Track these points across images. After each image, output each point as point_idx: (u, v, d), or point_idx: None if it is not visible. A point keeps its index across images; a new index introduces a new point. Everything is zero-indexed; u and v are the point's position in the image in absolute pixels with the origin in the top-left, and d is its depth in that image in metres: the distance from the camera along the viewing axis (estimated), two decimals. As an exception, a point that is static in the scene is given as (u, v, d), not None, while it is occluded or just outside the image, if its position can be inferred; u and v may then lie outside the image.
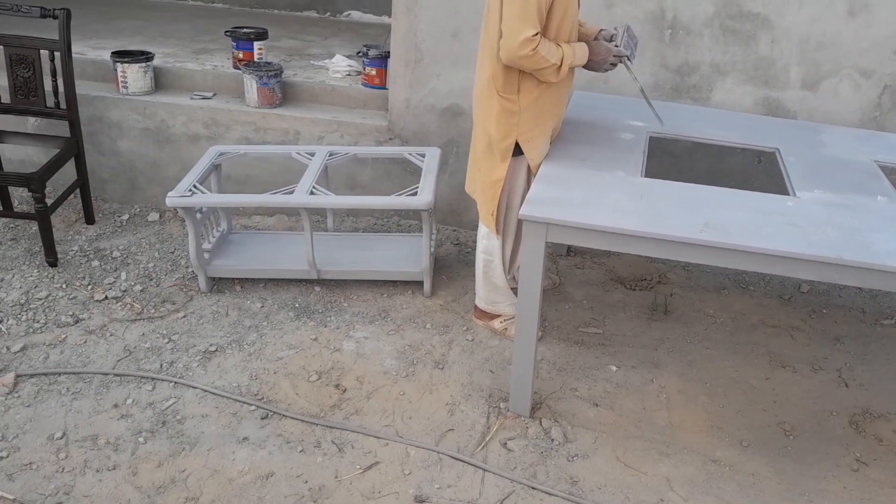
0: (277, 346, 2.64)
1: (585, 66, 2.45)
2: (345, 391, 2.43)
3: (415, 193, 2.78)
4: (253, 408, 2.33)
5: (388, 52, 3.45)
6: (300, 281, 3.02)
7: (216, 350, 2.60)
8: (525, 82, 2.35)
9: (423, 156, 3.08)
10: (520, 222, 2.61)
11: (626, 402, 2.46)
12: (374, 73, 3.54)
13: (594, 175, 2.28)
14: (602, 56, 2.44)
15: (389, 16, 5.62)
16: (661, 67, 3.12)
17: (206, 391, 2.39)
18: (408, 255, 3.06)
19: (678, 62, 3.10)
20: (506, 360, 2.61)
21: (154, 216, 3.54)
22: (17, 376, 2.41)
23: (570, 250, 3.35)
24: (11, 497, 1.97)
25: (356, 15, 5.75)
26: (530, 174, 2.51)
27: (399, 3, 3.18)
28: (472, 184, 2.62)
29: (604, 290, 3.13)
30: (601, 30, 2.55)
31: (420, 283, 2.99)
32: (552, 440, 2.27)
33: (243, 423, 2.28)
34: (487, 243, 2.61)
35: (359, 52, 3.61)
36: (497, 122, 2.40)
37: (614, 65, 2.47)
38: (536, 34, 2.19)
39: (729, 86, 3.10)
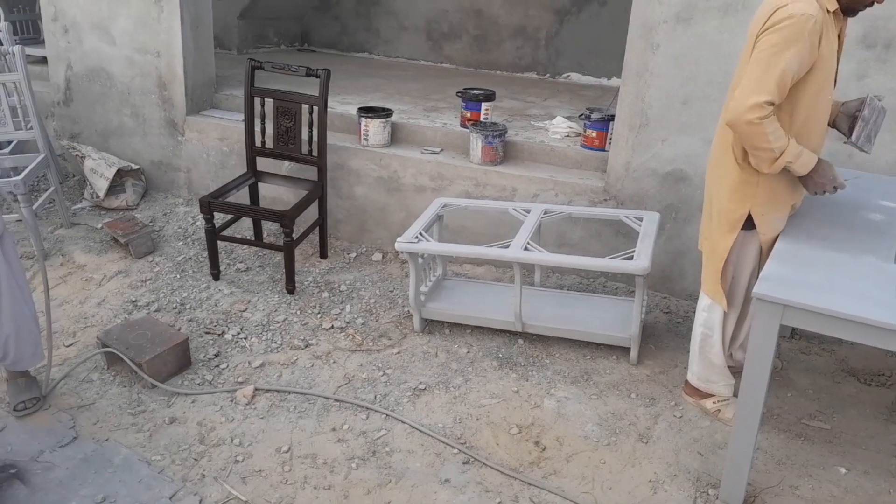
0: (481, 393, 2.72)
1: (801, 178, 2.22)
2: (544, 449, 2.43)
3: (630, 257, 2.75)
4: (456, 451, 2.41)
5: (611, 116, 3.49)
6: (504, 332, 3.09)
7: (425, 388, 2.74)
8: None
9: (641, 219, 3.04)
10: (746, 300, 2.49)
11: (858, 513, 2.19)
12: (594, 135, 3.59)
13: (838, 257, 2.11)
14: (823, 178, 2.19)
15: (608, 78, 5.74)
16: (920, 142, 2.83)
17: (414, 427, 2.52)
18: (615, 319, 3.01)
19: (942, 138, 2.79)
20: (717, 444, 2.45)
21: (377, 256, 3.84)
22: (256, 389, 2.72)
23: (795, 333, 3.09)
24: (244, 499, 2.21)
25: (575, 77, 5.88)
26: (761, 253, 2.37)
27: (629, 68, 3.21)
28: (703, 244, 2.51)
29: (833, 380, 2.84)
30: (843, 103, 2.35)
31: (626, 350, 2.92)
32: (766, 540, 2.09)
33: (446, 464, 2.36)
34: (708, 316, 2.49)
35: (581, 115, 3.68)
36: (732, 191, 2.29)
37: (827, 192, 2.23)
38: (772, 104, 2.04)
39: None
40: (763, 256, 2.35)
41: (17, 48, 3.66)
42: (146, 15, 4.14)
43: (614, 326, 2.95)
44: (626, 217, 3.09)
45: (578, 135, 3.79)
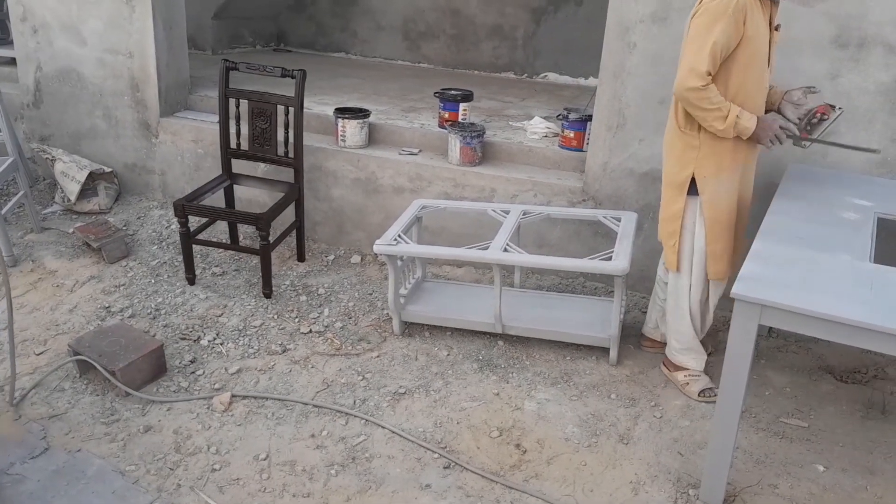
0: (461, 396, 2.70)
1: (752, 137, 2.43)
2: (525, 452, 2.42)
3: (609, 257, 2.75)
4: (436, 456, 2.39)
5: (589, 116, 3.49)
6: (485, 333, 3.08)
7: (405, 392, 2.72)
8: None
9: (619, 219, 3.05)
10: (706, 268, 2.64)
11: (836, 510, 2.21)
12: (572, 135, 3.59)
13: (815, 256, 2.12)
14: (771, 126, 2.43)
15: (586, 78, 5.75)
16: (892, 142, 2.86)
17: (393, 432, 2.49)
18: (594, 319, 3.01)
19: (914, 136, 2.82)
20: (697, 444, 2.46)
21: (356, 259, 3.81)
22: (233, 396, 2.68)
23: (772, 331, 3.12)
24: (221, 507, 2.17)
25: (552, 76, 5.89)
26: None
27: (606, 68, 3.21)
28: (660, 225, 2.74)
29: (810, 378, 2.86)
30: (786, 91, 2.57)
31: (605, 350, 2.92)
32: (747, 539, 2.09)
33: (427, 469, 2.34)
34: (672, 285, 2.68)
35: (559, 115, 3.68)
36: (677, 158, 2.55)
37: (780, 140, 2.44)
38: (709, 74, 2.31)
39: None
40: (707, 228, 2.55)
41: (-17, 49, 3.57)
42: (117, 15, 4.06)
43: (594, 327, 2.95)
44: (605, 217, 3.09)
45: (556, 135, 3.79)
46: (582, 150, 3.56)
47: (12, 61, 4.60)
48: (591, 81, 5.66)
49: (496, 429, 2.53)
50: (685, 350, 2.73)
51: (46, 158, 4.26)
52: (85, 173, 4.08)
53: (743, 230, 2.67)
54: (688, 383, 2.72)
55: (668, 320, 2.77)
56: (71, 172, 4.10)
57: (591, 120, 3.44)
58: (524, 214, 3.15)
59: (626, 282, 2.86)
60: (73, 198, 4.06)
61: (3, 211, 3.57)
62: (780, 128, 2.44)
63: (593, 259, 2.75)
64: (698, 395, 2.68)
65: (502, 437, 2.49)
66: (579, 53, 5.68)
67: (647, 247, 3.31)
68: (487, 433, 2.50)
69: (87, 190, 4.14)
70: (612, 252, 2.77)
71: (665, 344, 2.86)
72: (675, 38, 3.03)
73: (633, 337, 3.10)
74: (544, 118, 4.00)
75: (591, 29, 5.48)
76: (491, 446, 2.45)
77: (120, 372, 2.62)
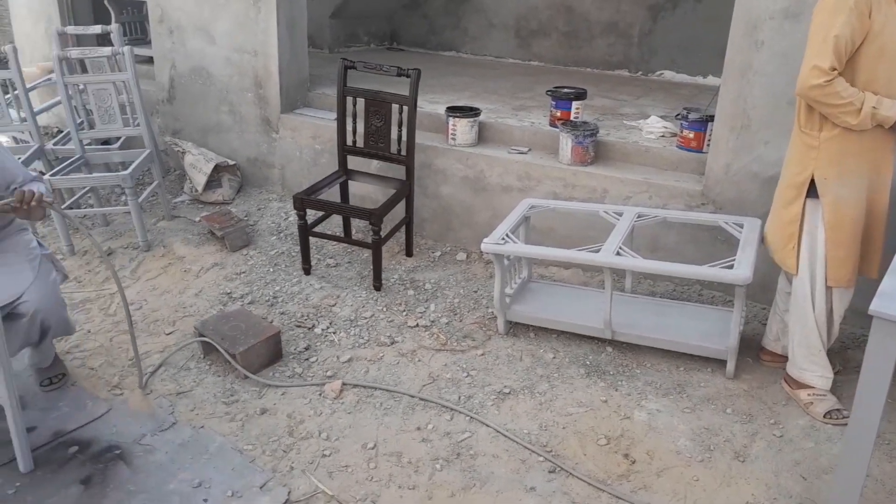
0: (567, 400, 2.66)
1: (894, 127, 2.27)
2: (633, 462, 2.36)
3: (730, 265, 2.62)
4: (541, 459, 2.36)
5: (710, 116, 3.35)
6: (592, 338, 3.02)
7: (510, 393, 2.71)
8: (827, 118, 2.33)
9: (741, 226, 2.90)
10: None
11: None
12: (691, 135, 3.45)
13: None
14: None
15: (704, 76, 5.52)
16: None
17: (498, 432, 2.49)
18: (710, 330, 2.89)
19: None
20: (822, 468, 2.31)
21: (462, 256, 3.83)
22: (344, 384, 2.76)
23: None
24: (331, 493, 2.24)
25: (669, 75, 5.69)
26: None
27: (731, 67, 3.06)
28: (769, 226, 2.65)
29: (953, 406, 2.62)
30: None
31: (721, 362, 2.80)
32: (877, 575, 1.94)
33: (531, 472, 2.32)
34: (797, 292, 2.53)
35: (677, 115, 3.55)
36: (797, 159, 2.44)
37: None
38: (833, 69, 2.20)
39: None
40: (827, 233, 2.41)
41: (126, 49, 3.86)
42: (244, 16, 4.28)
43: (710, 337, 2.82)
44: (726, 223, 2.95)
45: (674, 135, 3.65)
46: (702, 152, 3.42)
47: (150, 60, 4.94)
48: (710, 80, 5.43)
49: (604, 436, 2.47)
50: (810, 365, 2.57)
51: (178, 151, 4.56)
52: (211, 165, 4.33)
53: (880, 238, 2.48)
54: (812, 403, 2.56)
55: (790, 331, 2.62)
56: (199, 164, 4.36)
57: (712, 120, 3.30)
58: (638, 217, 3.06)
59: (746, 292, 2.71)
60: (200, 188, 4.32)
61: (140, 199, 3.85)
62: None
63: (713, 266, 2.63)
64: (824, 417, 2.51)
65: (610, 445, 2.43)
66: (698, 51, 5.46)
67: (769, 255, 3.13)
68: (595, 440, 2.45)
69: (213, 181, 4.39)
70: (734, 260, 2.64)
71: (786, 358, 2.70)
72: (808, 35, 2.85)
73: (752, 349, 2.94)
74: (661, 117, 3.87)
75: (711, 25, 5.26)
76: (598, 454, 2.40)
77: (240, 355, 2.76)
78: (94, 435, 2.47)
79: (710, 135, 3.34)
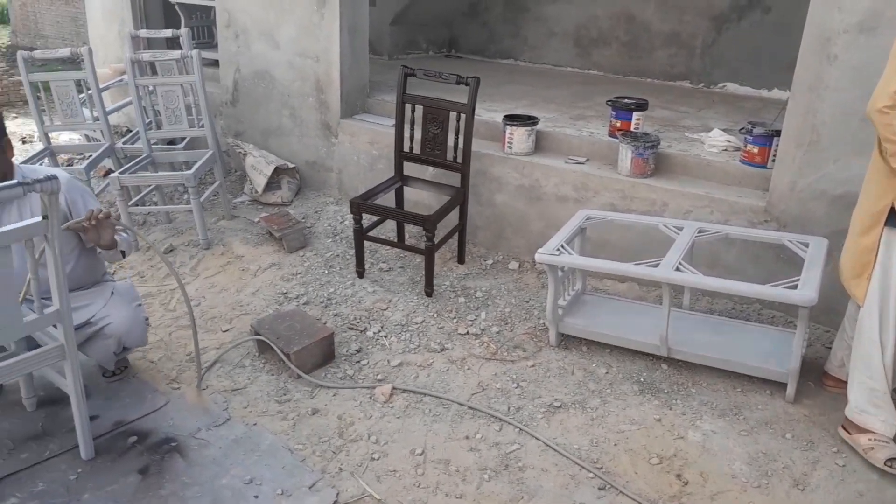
0: (620, 417, 2.61)
1: None
2: (686, 483, 2.30)
3: (794, 285, 2.54)
4: (591, 475, 2.33)
5: (776, 130, 3.26)
6: (647, 355, 2.96)
7: (560, 406, 2.68)
8: None
9: (807, 245, 2.81)
10: None
11: None
12: (755, 150, 3.36)
13: None
14: None
15: (769, 90, 5.37)
16: None
17: (548, 445, 2.46)
18: (771, 351, 2.80)
19: None
20: (887, 502, 2.21)
21: (514, 265, 3.82)
22: (394, 388, 2.78)
23: None
24: (378, 497, 2.26)
25: (732, 87, 5.56)
26: None
27: (800, 81, 2.97)
28: (844, 251, 2.50)
29: None
30: None
31: (781, 385, 2.71)
32: None
33: (580, 487, 2.29)
34: (862, 327, 2.38)
35: (742, 129, 3.46)
36: (876, 183, 2.31)
37: None
38: None
39: None
40: None
41: (195, 52, 3.98)
42: (308, 22, 4.36)
43: (770, 359, 2.74)
44: (790, 241, 2.87)
45: (737, 149, 3.57)
46: (766, 167, 3.32)
47: (215, 63, 5.08)
48: (775, 93, 5.27)
49: (656, 455, 2.42)
50: (872, 409, 2.39)
51: (239, 153, 4.67)
52: (271, 168, 4.43)
53: None
54: (872, 448, 2.37)
55: (851, 367, 2.46)
56: (259, 166, 4.46)
57: (778, 135, 3.20)
58: (699, 232, 3.00)
59: (810, 313, 2.62)
60: (259, 190, 4.42)
61: (202, 198, 3.96)
62: None
63: (776, 286, 2.55)
64: (885, 463, 2.33)
65: (662, 464, 2.38)
66: (763, 63, 5.31)
67: (835, 276, 3.02)
68: (647, 459, 2.40)
69: (272, 183, 4.48)
70: (798, 280, 2.56)
71: None
72: (885, 50, 2.72)
73: (813, 373, 2.84)
74: (724, 130, 3.78)
75: (778, 38, 5.12)
76: (650, 473, 2.34)
77: (294, 355, 2.80)
78: (152, 426, 2.54)
79: (775, 150, 3.25)
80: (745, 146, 3.42)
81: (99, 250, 2.53)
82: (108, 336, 2.56)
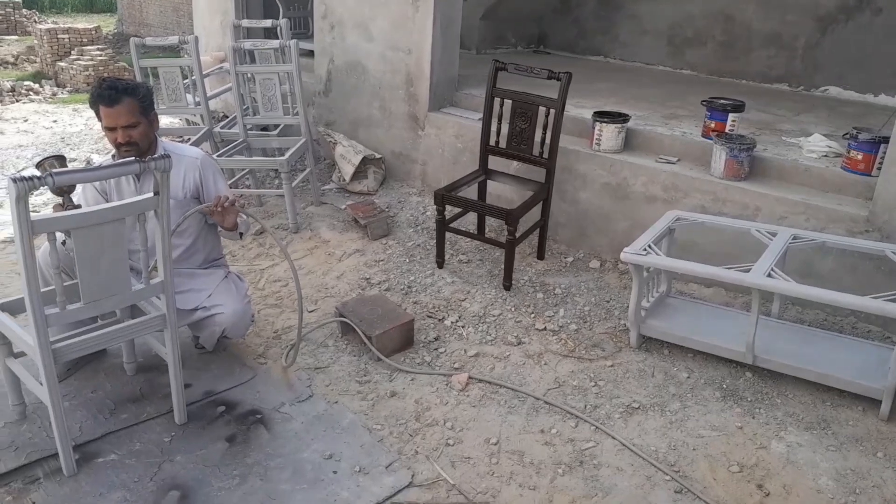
0: (700, 422, 2.56)
1: None
2: (768, 495, 2.23)
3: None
4: (668, 478, 2.29)
5: (884, 137, 3.09)
6: (731, 361, 2.88)
7: (638, 407, 2.64)
8: None
9: (912, 258, 2.66)
10: None
11: None
12: (859, 157, 3.21)
13: None
14: None
15: (875, 95, 5.09)
16: None
17: (624, 445, 2.44)
18: (864, 365, 2.67)
19: None
20: None
21: (595, 263, 3.78)
22: (470, 378, 2.81)
23: None
24: (452, 482, 2.29)
25: (834, 91, 5.30)
26: None
27: (915, 85, 2.81)
28: None
29: None
30: None
31: (874, 402, 2.58)
32: None
33: (656, 489, 2.26)
34: None
35: (845, 134, 3.31)
36: None
37: None
38: None
39: None
40: None
41: (293, 42, 4.13)
42: (402, 15, 4.44)
43: (864, 373, 2.62)
44: (894, 253, 2.72)
45: (839, 156, 3.41)
46: (870, 175, 3.17)
47: (310, 53, 5.24)
48: (882, 98, 5.00)
49: (736, 463, 2.36)
50: None
51: (329, 141, 4.81)
52: (359, 157, 4.54)
53: None
54: None
55: None
56: (348, 156, 4.59)
57: (886, 142, 3.04)
58: (794, 239, 2.89)
59: (911, 329, 2.50)
60: (347, 178, 4.54)
61: (293, 184, 4.10)
62: None
63: (877, 298, 2.43)
64: None
65: (742, 473, 2.32)
66: (870, 67, 5.04)
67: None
68: (726, 466, 2.35)
69: (359, 172, 4.60)
70: (901, 293, 2.43)
71: None
72: None
73: (912, 393, 2.69)
74: (825, 136, 3.62)
75: (889, 41, 4.85)
76: (729, 481, 2.29)
77: (376, 338, 2.88)
78: (239, 398, 2.67)
79: (881, 158, 3.09)
80: (848, 152, 3.27)
81: (220, 228, 2.70)
82: (217, 324, 2.72)
